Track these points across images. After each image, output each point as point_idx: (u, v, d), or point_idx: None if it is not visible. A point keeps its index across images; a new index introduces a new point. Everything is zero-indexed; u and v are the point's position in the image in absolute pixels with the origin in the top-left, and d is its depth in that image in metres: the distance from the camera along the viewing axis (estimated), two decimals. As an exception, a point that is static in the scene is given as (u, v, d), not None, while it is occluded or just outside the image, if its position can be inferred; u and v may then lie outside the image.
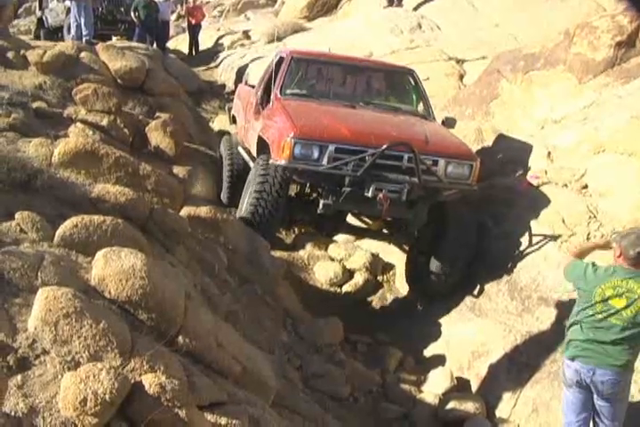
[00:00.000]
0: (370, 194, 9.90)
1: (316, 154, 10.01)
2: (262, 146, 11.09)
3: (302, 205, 11.18)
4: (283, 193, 10.52)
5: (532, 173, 10.98)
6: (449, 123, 11.91)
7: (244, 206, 10.70)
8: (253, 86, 14.81)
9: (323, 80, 12.75)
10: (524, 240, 10.35)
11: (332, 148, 9.95)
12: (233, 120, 15.63)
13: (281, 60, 12.53)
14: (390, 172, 10.02)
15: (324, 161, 9.98)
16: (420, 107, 12.41)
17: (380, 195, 9.84)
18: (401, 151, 9.97)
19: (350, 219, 12.52)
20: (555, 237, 10.09)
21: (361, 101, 12.02)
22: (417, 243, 11.46)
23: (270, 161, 10.36)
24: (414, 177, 9.96)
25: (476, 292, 10.57)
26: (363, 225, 12.80)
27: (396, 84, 13.09)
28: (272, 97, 11.75)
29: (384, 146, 9.74)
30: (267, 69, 13.27)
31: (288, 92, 11.81)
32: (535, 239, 10.28)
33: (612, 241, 7.24)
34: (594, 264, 7.20)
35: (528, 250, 10.26)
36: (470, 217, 10.84)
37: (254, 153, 11.83)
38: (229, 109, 16.18)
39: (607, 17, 12.69)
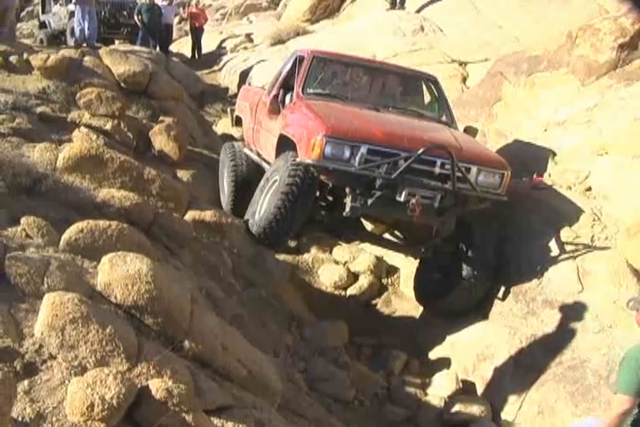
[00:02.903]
0: (402, 198, 9.55)
1: (347, 154, 9.67)
2: (283, 145, 10.75)
3: (326, 207, 10.77)
4: (313, 194, 10.23)
5: (538, 176, 10.95)
6: (471, 132, 11.71)
7: (266, 208, 10.29)
8: (260, 87, 14.84)
9: (344, 81, 12.51)
10: (529, 243, 10.35)
11: (364, 149, 9.60)
12: (236, 122, 15.42)
13: (298, 59, 12.27)
14: (423, 177, 9.68)
15: (355, 162, 9.63)
16: (442, 114, 12.14)
17: (413, 200, 9.50)
18: (436, 156, 9.65)
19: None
20: (559, 240, 10.09)
21: (383, 105, 11.70)
22: (434, 258, 11.04)
23: (298, 159, 9.97)
24: (446, 184, 9.68)
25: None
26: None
27: (418, 90, 12.81)
28: (294, 95, 11.40)
29: (422, 149, 9.43)
30: (282, 69, 13.00)
31: (310, 91, 11.58)
32: (539, 242, 10.26)
33: (631, 309, 6.77)
34: (625, 358, 6.41)
35: (532, 253, 10.25)
36: (496, 233, 10.54)
37: (270, 154, 11.53)
38: (232, 111, 15.85)
39: (610, 19, 12.69)
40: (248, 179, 13.00)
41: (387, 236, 12.40)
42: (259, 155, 12.83)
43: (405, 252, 11.89)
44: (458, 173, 9.55)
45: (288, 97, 11.52)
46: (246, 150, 13.62)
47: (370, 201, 9.74)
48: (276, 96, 11.82)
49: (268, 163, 11.81)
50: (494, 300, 10.35)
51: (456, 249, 10.57)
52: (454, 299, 10.59)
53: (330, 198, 10.73)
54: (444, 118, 11.98)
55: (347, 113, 10.66)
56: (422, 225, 10.30)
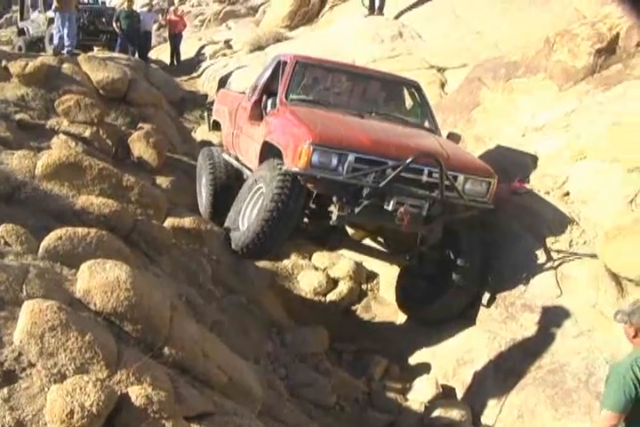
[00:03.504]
0: (390, 207, 9.40)
1: (334, 162, 9.50)
2: (267, 152, 10.58)
3: (310, 215, 10.55)
4: (301, 205, 9.98)
5: (517, 181, 10.97)
6: (454, 138, 11.59)
7: (252, 221, 10.00)
8: (239, 92, 14.76)
9: (327, 87, 12.36)
10: (508, 247, 10.38)
11: (351, 157, 9.45)
12: (213, 126, 15.28)
13: (280, 64, 12.11)
14: (411, 185, 9.57)
15: (343, 170, 9.47)
16: (426, 120, 12.09)
17: (402, 209, 9.35)
18: (423, 164, 9.55)
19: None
20: (538, 244, 10.13)
21: (367, 111, 11.54)
22: (419, 265, 10.92)
23: (284, 167, 9.75)
24: (434, 192, 9.55)
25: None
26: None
27: (400, 96, 12.73)
28: (277, 101, 11.21)
29: (410, 157, 9.27)
30: (263, 73, 12.82)
31: (293, 97, 11.38)
32: (519, 246, 10.30)
33: (618, 322, 6.66)
34: (612, 374, 6.29)
35: (512, 257, 10.28)
36: (482, 239, 10.46)
37: (253, 161, 11.33)
38: (209, 115, 15.68)
39: (587, 24, 12.76)
40: (227, 184, 12.91)
41: (371, 243, 12.33)
42: (237, 159, 12.74)
43: (390, 260, 11.79)
44: (446, 181, 9.45)
45: (270, 103, 11.39)
46: (225, 155, 13.48)
47: (357, 210, 9.58)
48: (258, 101, 11.76)
49: (250, 169, 11.68)
50: (473, 304, 10.36)
51: (442, 256, 10.50)
52: (440, 307, 10.54)
53: (314, 206, 10.50)
54: (427, 125, 11.93)
55: (332, 120, 10.52)
56: (409, 233, 10.18)
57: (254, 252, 10.07)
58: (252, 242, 9.83)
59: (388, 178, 9.32)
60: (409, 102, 12.72)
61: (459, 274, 10.24)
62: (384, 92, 12.69)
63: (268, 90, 11.94)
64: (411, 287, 11.17)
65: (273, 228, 9.64)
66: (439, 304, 10.52)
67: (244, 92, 13.92)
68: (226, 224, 10.67)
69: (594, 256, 9.50)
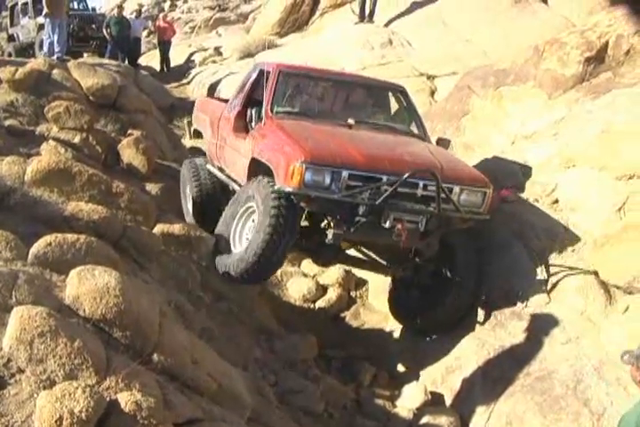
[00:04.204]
0: (388, 224, 9.21)
1: (327, 180, 9.22)
2: (256, 168, 10.29)
3: (306, 233, 10.05)
4: (299, 224, 9.70)
5: (506, 189, 10.99)
6: (443, 144, 11.50)
7: (250, 245, 9.52)
8: (220, 99, 14.61)
9: (312, 96, 12.04)
10: (497, 255, 10.40)
11: (345, 174, 9.19)
12: (195, 135, 15.04)
13: (262, 73, 11.75)
14: (406, 200, 9.37)
15: (337, 188, 9.22)
16: (414, 126, 11.85)
17: (399, 226, 9.20)
18: (418, 178, 9.33)
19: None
20: (527, 252, 10.15)
21: (355, 120, 11.10)
22: (414, 276, 10.69)
23: (277, 186, 9.42)
24: (430, 206, 9.37)
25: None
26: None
27: (387, 102, 12.51)
28: (262, 114, 10.83)
29: (407, 173, 9.09)
30: (244, 82, 12.50)
31: (279, 109, 10.98)
32: (508, 254, 10.32)
33: (626, 363, 6.47)
34: (621, 421, 5.93)
35: (501, 265, 10.29)
36: (476, 249, 10.35)
37: (240, 175, 11.08)
38: (189, 123, 15.51)
39: (576, 33, 12.80)
40: (212, 196, 12.77)
41: (365, 253, 12.20)
42: (222, 170, 12.55)
43: (385, 272, 11.45)
44: (442, 194, 9.31)
45: (255, 115, 11.03)
46: (210, 167, 13.20)
47: (353, 228, 9.41)
48: (241, 112, 11.50)
49: (237, 182, 11.49)
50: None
51: (437, 267, 10.37)
52: (437, 317, 10.43)
53: (307, 223, 10.20)
54: (416, 130, 11.72)
55: (322, 133, 10.21)
56: (406, 247, 9.93)
57: (255, 276, 9.80)
58: (252, 267, 9.45)
59: (384, 195, 9.12)
60: (396, 107, 12.58)
61: (455, 284, 10.13)
62: (370, 99, 12.50)
63: (251, 100, 11.67)
64: (405, 298, 11.00)
65: (274, 250, 9.33)
66: (435, 315, 10.40)
67: (224, 100, 13.82)
68: (214, 249, 10.30)
69: (582, 264, 9.54)
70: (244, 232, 10.13)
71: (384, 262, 11.31)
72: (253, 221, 9.87)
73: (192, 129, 15.15)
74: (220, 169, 12.67)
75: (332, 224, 9.60)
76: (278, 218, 9.20)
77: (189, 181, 13.30)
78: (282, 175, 9.39)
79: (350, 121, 11.00)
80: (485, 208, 9.86)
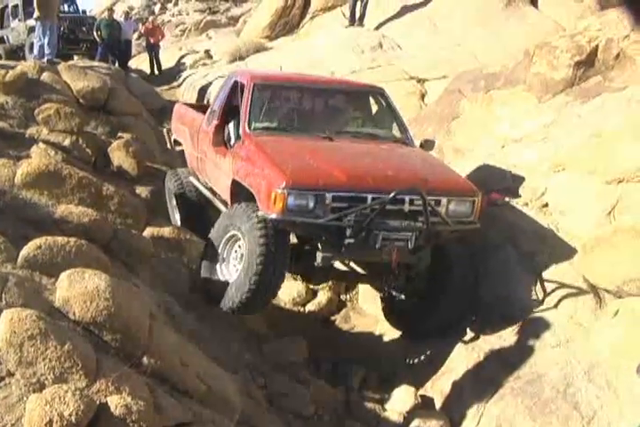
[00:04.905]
0: (378, 245, 9.05)
1: (311, 204, 8.96)
2: (239, 190, 10.06)
3: (295, 256, 9.69)
4: (288, 249, 9.43)
5: (495, 192, 11.00)
6: (428, 145, 11.27)
7: (241, 277, 9.23)
8: (196, 107, 14.28)
9: (290, 108, 11.52)
10: (487, 259, 10.40)
11: (329, 196, 8.95)
12: (176, 143, 14.50)
13: (237, 85, 11.41)
14: (393, 217, 9.14)
15: (321, 211, 8.97)
16: (396, 129, 11.64)
17: (388, 246, 9.07)
18: (405, 194, 9.09)
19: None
20: (517, 256, 10.16)
21: (336, 131, 10.90)
22: (408, 283, 10.44)
23: (260, 213, 9.17)
24: (418, 221, 9.17)
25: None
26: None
27: (367, 106, 12.17)
28: (240, 132, 10.54)
29: (392, 194, 8.86)
30: (220, 94, 12.18)
31: (257, 125, 10.61)
32: (497, 258, 10.33)
33: None
34: None
35: (490, 268, 10.30)
36: (470, 254, 10.21)
37: (225, 193, 10.83)
38: (169, 132, 15.03)
39: (566, 37, 12.82)
40: (198, 207, 12.66)
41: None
42: (206, 184, 12.32)
43: (379, 285, 11.11)
44: (429, 208, 9.12)
45: (233, 131, 10.90)
46: (193, 181, 12.95)
47: (342, 249, 9.20)
48: (219, 126, 11.04)
49: (221, 199, 11.34)
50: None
51: (431, 274, 10.19)
52: (432, 323, 10.32)
53: (295, 246, 9.99)
54: (398, 135, 11.48)
55: (302, 152, 9.87)
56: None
57: (254, 307, 9.65)
58: (249, 300, 9.23)
59: (369, 217, 8.93)
60: (376, 112, 12.21)
61: (451, 290, 10.02)
62: (350, 105, 12.13)
63: (229, 112, 11.31)
64: (399, 303, 10.85)
65: (269, 281, 9.17)
66: (432, 320, 10.28)
67: (201, 107, 13.75)
68: (202, 274, 10.04)
69: (572, 268, 9.56)
70: (231, 262, 9.88)
71: (375, 275, 10.91)
72: (240, 247, 9.67)
73: (172, 138, 14.67)
74: (204, 182, 12.47)
75: (319, 247, 9.45)
76: (268, 247, 8.99)
77: (174, 194, 13.23)
78: (264, 201, 9.17)
79: (330, 133, 10.73)
80: (475, 216, 9.71)
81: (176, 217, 13.19)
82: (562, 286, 9.52)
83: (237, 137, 10.62)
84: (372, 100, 12.15)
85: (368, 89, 12.44)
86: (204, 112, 12.49)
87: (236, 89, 11.38)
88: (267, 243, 8.98)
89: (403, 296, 10.71)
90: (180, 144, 14.21)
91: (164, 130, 15.99)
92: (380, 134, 11.41)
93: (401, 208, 9.19)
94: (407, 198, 9.14)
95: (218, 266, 9.90)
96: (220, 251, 9.89)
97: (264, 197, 9.14)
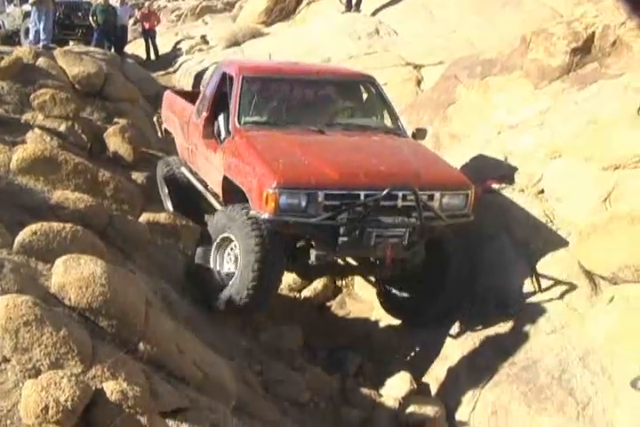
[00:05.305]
0: (372, 243, 9.01)
1: (303, 203, 8.88)
2: (231, 186, 9.97)
3: (290, 254, 9.59)
4: (283, 247, 9.29)
5: (491, 179, 11.00)
6: (420, 134, 11.21)
7: (239, 280, 9.06)
8: (185, 94, 14.12)
9: (279, 101, 11.25)
10: (482, 246, 10.40)
11: (321, 194, 8.87)
12: (166, 133, 14.42)
13: (225, 76, 11.23)
14: (386, 213, 9.05)
15: (314, 210, 8.88)
16: (387, 119, 11.48)
17: (383, 243, 9.03)
18: (398, 190, 9.00)
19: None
20: (512, 242, 10.17)
21: (327, 123, 10.84)
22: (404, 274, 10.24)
23: (252, 213, 9.07)
24: (411, 217, 9.10)
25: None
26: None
27: (358, 96, 12.01)
28: (230, 126, 10.40)
29: (385, 191, 8.78)
30: (208, 85, 12.02)
31: (247, 119, 10.49)
32: (492, 244, 10.33)
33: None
34: None
35: (486, 255, 10.30)
36: (466, 241, 10.13)
37: (217, 188, 10.76)
38: (159, 120, 14.98)
39: (563, 23, 12.80)
40: (193, 200, 12.42)
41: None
42: (196, 174, 12.20)
43: (376, 276, 11.13)
44: (422, 203, 9.07)
45: (223, 124, 10.71)
46: (185, 172, 12.74)
47: (336, 248, 9.15)
48: (208, 118, 11.00)
49: (213, 193, 11.24)
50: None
51: (427, 264, 10.03)
52: (429, 313, 10.30)
53: (297, 245, 9.87)
54: (390, 124, 11.35)
55: (293, 147, 9.77)
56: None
57: (254, 308, 9.51)
58: (249, 302, 9.08)
59: (362, 215, 8.90)
60: (368, 101, 12.01)
61: (447, 280, 9.96)
62: (341, 95, 11.89)
63: (217, 104, 11.14)
64: (396, 296, 10.83)
65: (267, 282, 9.06)
66: (429, 309, 10.26)
67: (190, 94, 13.63)
68: (197, 260, 9.93)
69: (568, 254, 9.57)
70: (226, 266, 9.73)
71: (370, 269, 10.68)
72: (232, 249, 9.54)
73: (162, 127, 14.53)
74: (196, 173, 12.32)
75: (313, 245, 9.37)
76: (263, 249, 8.88)
77: (166, 184, 13.17)
78: (256, 201, 9.09)
79: (321, 126, 10.64)
80: (469, 209, 9.65)
81: (169, 206, 13.08)
82: (557, 272, 9.53)
83: (227, 132, 10.47)
84: (362, 89, 12.01)
85: (358, 78, 12.24)
86: (194, 100, 12.34)
87: (224, 80, 11.23)
88: (262, 244, 8.88)
89: (398, 292, 10.71)
90: (170, 133, 14.08)
91: (154, 118, 15.72)
92: (371, 125, 11.27)
93: (394, 204, 9.12)
94: (400, 194, 9.07)
95: (214, 270, 9.75)
96: (213, 253, 9.78)
97: (256, 197, 9.06)
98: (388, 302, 11.07)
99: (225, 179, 10.14)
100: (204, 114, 11.12)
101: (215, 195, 11.10)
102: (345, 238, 9.01)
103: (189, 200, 12.43)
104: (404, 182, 9.03)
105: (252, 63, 12.91)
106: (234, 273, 9.32)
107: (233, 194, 9.87)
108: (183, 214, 11.51)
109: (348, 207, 8.91)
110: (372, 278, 11.52)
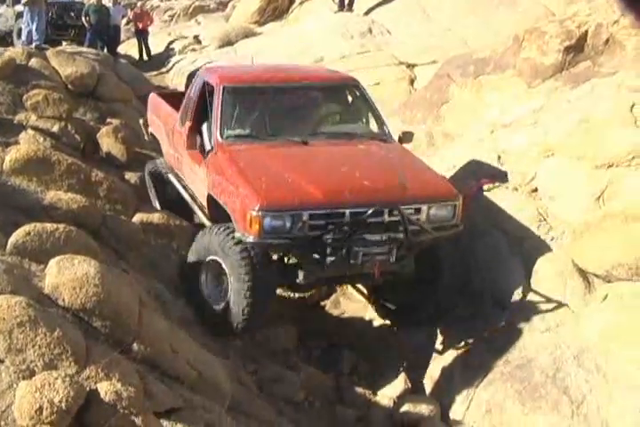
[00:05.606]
0: (359, 262, 8.84)
1: (288, 224, 8.70)
2: (216, 203, 9.74)
3: (278, 273, 9.37)
4: (272, 267, 9.19)
5: (484, 178, 11.00)
6: (407, 137, 11.01)
7: (234, 304, 8.93)
8: (169, 96, 13.86)
9: (262, 111, 10.87)
10: (477, 245, 10.41)
11: (306, 215, 8.70)
12: (153, 136, 14.06)
13: (207, 87, 10.90)
14: (373, 230, 8.89)
15: (298, 230, 8.71)
16: (373, 123, 11.25)
17: (370, 261, 8.87)
18: (383, 208, 8.88)
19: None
20: (506, 241, 10.17)
21: (310, 132, 10.59)
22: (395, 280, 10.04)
23: (237, 235, 8.89)
24: (399, 232, 8.94)
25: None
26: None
27: (342, 101, 11.76)
28: (213, 142, 10.18)
29: (369, 211, 8.73)
30: (190, 92, 11.68)
31: (230, 133, 10.25)
32: (485, 243, 10.34)
33: None
34: None
35: (480, 254, 10.31)
36: (457, 249, 9.95)
37: (203, 202, 10.49)
38: (145, 124, 14.57)
39: (556, 22, 12.83)
40: (181, 205, 11.92)
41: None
42: (180, 182, 11.98)
43: (366, 283, 10.99)
44: (409, 216, 8.99)
45: (206, 133, 10.58)
46: (173, 179, 12.41)
47: (323, 267, 8.94)
48: (192, 128, 10.84)
49: (199, 205, 10.94)
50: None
51: (419, 269, 9.74)
52: (423, 314, 10.20)
53: (285, 262, 9.70)
54: (376, 131, 11.09)
55: (276, 162, 9.56)
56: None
57: (251, 327, 9.36)
58: (246, 324, 9.01)
59: (346, 236, 8.77)
60: (351, 106, 11.71)
61: (441, 282, 9.85)
62: (324, 102, 11.68)
63: (201, 112, 10.93)
64: (390, 299, 10.78)
65: (260, 305, 8.97)
66: (422, 311, 10.17)
67: (175, 96, 13.50)
68: (191, 295, 9.71)
69: (562, 252, 9.58)
70: (213, 289, 9.56)
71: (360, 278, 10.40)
72: (222, 273, 9.30)
73: (149, 131, 14.24)
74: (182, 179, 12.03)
75: (301, 265, 9.21)
76: (253, 276, 8.74)
77: (154, 186, 13.08)
78: (240, 222, 8.92)
79: (304, 136, 10.37)
80: (458, 219, 9.49)
81: (155, 202, 12.95)
82: (551, 271, 9.54)
83: (210, 146, 10.25)
84: (346, 93, 11.73)
85: (342, 82, 11.89)
86: (179, 103, 12.07)
87: (205, 89, 10.97)
88: (252, 272, 8.76)
89: (390, 298, 10.69)
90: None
91: (141, 121, 15.55)
92: (356, 132, 10.99)
93: (381, 220, 8.98)
94: (386, 210, 8.93)
95: (204, 294, 9.60)
96: (202, 277, 9.60)
97: (240, 218, 8.90)
98: (380, 308, 11.05)
99: (210, 196, 9.96)
100: (188, 123, 10.99)
101: (202, 206, 10.77)
102: (332, 258, 8.86)
103: (180, 207, 12.28)
104: (389, 201, 8.93)
105: (233, 72, 12.49)
106: (226, 298, 9.16)
107: (219, 210, 9.66)
108: (169, 210, 11.56)
109: (333, 227, 8.79)
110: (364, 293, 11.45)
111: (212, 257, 9.30)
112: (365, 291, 11.41)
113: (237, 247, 8.83)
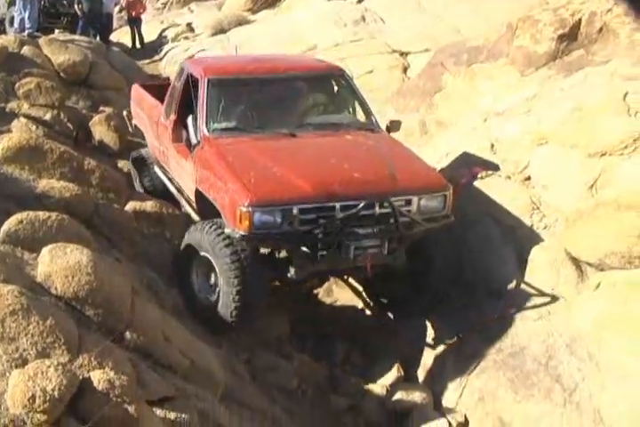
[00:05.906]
0: (351, 256, 8.81)
1: (278, 219, 8.62)
2: (204, 198, 9.68)
3: (269, 268, 9.30)
4: (264, 261, 9.14)
5: (477, 166, 11.00)
6: (394, 126, 10.88)
7: (225, 300, 8.84)
8: (152, 87, 13.52)
9: (249, 103, 10.77)
10: (470, 233, 10.41)
11: (296, 210, 8.63)
12: (136, 128, 13.86)
13: (191, 80, 10.74)
14: (365, 223, 8.85)
15: (289, 225, 8.66)
16: (360, 112, 11.20)
17: (362, 255, 8.86)
18: (373, 201, 8.82)
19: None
20: (499, 230, 10.18)
21: (298, 124, 10.50)
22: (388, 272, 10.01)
23: (227, 231, 8.80)
24: (390, 224, 8.90)
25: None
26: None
27: (328, 92, 11.59)
28: (199, 136, 10.05)
29: (360, 205, 8.67)
30: (174, 85, 11.51)
31: (216, 126, 10.12)
32: (477, 232, 10.34)
33: None
34: None
35: (473, 243, 10.32)
36: (449, 238, 9.85)
37: (191, 196, 10.40)
38: (129, 116, 14.26)
39: (549, 10, 12.81)
40: (163, 192, 12.00)
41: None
42: (166, 175, 11.95)
43: (358, 276, 10.94)
44: (400, 208, 8.95)
45: (191, 126, 10.39)
46: (159, 173, 12.46)
47: (315, 262, 8.93)
48: (177, 121, 10.70)
49: (187, 197, 10.87)
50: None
51: (411, 261, 9.68)
52: (415, 306, 10.18)
53: (276, 257, 9.57)
54: (363, 120, 11.07)
55: (264, 156, 9.46)
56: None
57: (245, 322, 9.21)
58: (239, 318, 8.89)
59: (338, 230, 8.73)
60: (338, 96, 11.59)
61: (433, 274, 9.80)
62: (311, 93, 11.45)
63: (185, 105, 10.74)
64: (383, 291, 10.82)
65: (251, 301, 8.90)
66: (414, 303, 10.13)
67: (159, 86, 13.25)
68: (182, 292, 9.60)
69: (554, 241, 9.59)
70: (203, 285, 9.47)
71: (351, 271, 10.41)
72: (211, 271, 9.22)
73: (133, 123, 13.98)
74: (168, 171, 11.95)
75: (292, 260, 9.13)
76: (243, 278, 8.68)
77: (140, 181, 13.02)
78: (229, 218, 8.83)
79: (292, 128, 10.28)
80: (448, 210, 9.46)
81: (137, 186, 12.93)
82: (544, 259, 9.55)
83: (197, 140, 10.13)
84: (333, 83, 11.64)
85: (328, 71, 11.75)
86: (163, 93, 11.89)
87: (189, 81, 10.82)
88: (242, 274, 8.68)
89: (382, 290, 10.74)
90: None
91: (124, 113, 15.37)
92: (343, 122, 10.88)
93: (372, 212, 8.92)
94: (377, 203, 8.87)
95: (195, 290, 9.53)
96: (192, 273, 9.54)
97: (229, 214, 8.83)
98: (373, 301, 11.11)
99: (198, 190, 9.89)
100: (173, 117, 10.88)
101: (190, 200, 10.70)
102: (323, 252, 8.85)
103: (160, 187, 12.24)
104: (379, 193, 8.90)
105: (217, 64, 12.18)
106: (216, 296, 9.12)
107: (207, 204, 9.60)
108: (152, 195, 11.54)
109: (324, 222, 8.74)
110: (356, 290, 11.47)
111: (203, 253, 9.22)
112: (357, 284, 11.40)
113: (228, 250, 8.75)
